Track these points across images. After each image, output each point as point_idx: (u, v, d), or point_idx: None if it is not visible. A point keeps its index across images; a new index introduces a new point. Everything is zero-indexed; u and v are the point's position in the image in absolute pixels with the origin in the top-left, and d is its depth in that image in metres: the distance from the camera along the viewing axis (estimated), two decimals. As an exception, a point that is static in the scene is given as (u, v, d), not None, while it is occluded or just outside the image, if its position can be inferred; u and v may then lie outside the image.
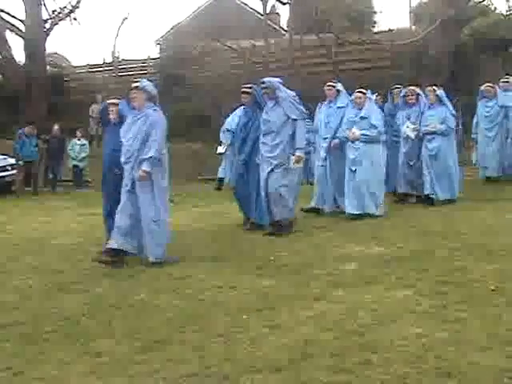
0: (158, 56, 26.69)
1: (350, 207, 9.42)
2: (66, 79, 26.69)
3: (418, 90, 10.80)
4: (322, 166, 10.00)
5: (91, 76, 26.62)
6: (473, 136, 12.42)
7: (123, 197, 7.27)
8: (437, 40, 20.10)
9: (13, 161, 16.74)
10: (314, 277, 6.31)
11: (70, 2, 25.06)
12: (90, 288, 6.39)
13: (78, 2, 25.14)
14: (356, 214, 9.31)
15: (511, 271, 5.98)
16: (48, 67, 26.18)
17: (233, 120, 10.67)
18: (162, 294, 6.06)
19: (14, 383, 4.17)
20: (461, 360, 4.03)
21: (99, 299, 5.98)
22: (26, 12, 23.76)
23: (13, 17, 23.92)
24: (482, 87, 12.17)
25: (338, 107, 9.91)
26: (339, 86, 10.06)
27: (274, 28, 29.23)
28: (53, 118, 20.36)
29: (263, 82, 8.60)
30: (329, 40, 23.47)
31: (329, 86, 10.11)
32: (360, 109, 9.53)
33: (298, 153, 8.41)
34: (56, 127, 18.21)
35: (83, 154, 18.47)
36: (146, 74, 26.26)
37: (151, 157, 7.08)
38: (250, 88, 9.01)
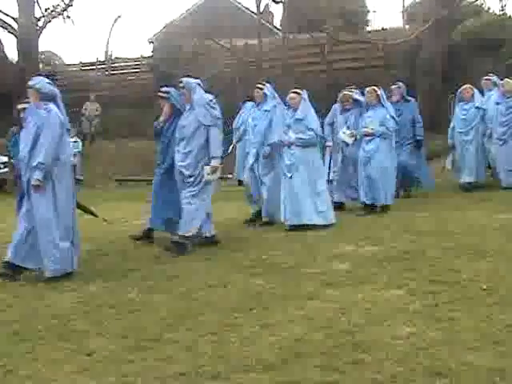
0: (150, 54, 26.58)
1: (288, 218, 8.79)
2: (58, 77, 26.58)
3: (355, 95, 10.39)
4: (251, 170, 9.41)
5: (84, 74, 26.50)
6: (449, 140, 11.98)
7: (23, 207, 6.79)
8: (430, 39, 20.11)
9: (5, 159, 16.67)
10: (306, 276, 6.32)
11: (63, 0, 24.95)
12: (81, 287, 6.38)
13: (71, 0, 25.04)
14: (295, 226, 8.72)
15: (503, 271, 6.00)
16: (41, 65, 26.07)
17: (239, 118, 11.42)
18: (153, 293, 6.05)
19: (5, 382, 4.16)
20: (452, 359, 4.04)
21: (91, 298, 5.97)
22: (19, 10, 23.63)
23: (6, 14, 23.79)
24: (460, 90, 11.79)
25: (265, 110, 9.34)
26: (266, 89, 9.45)
27: (268, 27, 29.19)
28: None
29: (181, 82, 7.99)
30: (322, 39, 23.45)
31: (256, 88, 9.55)
32: (295, 110, 8.93)
33: (212, 162, 7.66)
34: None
35: (75, 150, 18.46)
36: (138, 72, 26.26)
37: (38, 163, 6.45)
38: (166, 93, 8.27)
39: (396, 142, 10.92)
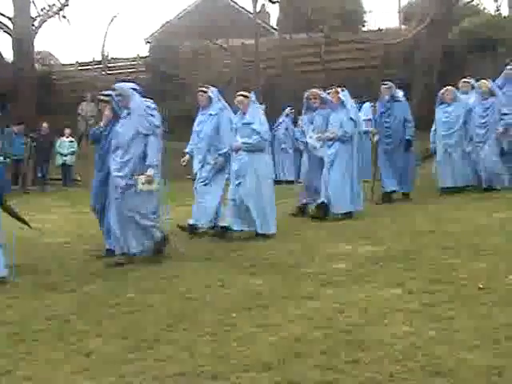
0: (147, 54, 26.58)
1: (235, 225, 8.45)
2: (54, 77, 26.57)
3: (322, 94, 10.05)
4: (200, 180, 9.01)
5: (80, 74, 26.52)
6: (431, 146, 11.64)
7: None
8: (427, 40, 20.16)
9: (1, 158, 16.66)
10: (305, 276, 6.33)
11: (59, 0, 24.94)
12: (79, 287, 6.38)
13: (67, 0, 25.03)
14: (241, 232, 8.41)
15: (501, 270, 6.01)
16: (37, 65, 26.04)
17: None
18: (151, 293, 6.05)
19: (2, 383, 4.15)
20: (449, 358, 4.05)
21: (88, 298, 5.97)
22: (14, 9, 23.60)
23: (1, 14, 23.77)
24: (441, 91, 11.48)
25: (210, 114, 8.97)
26: (210, 92, 9.11)
27: (264, 27, 29.20)
28: (41, 117, 20.27)
29: (115, 89, 7.58)
30: (319, 39, 23.49)
31: (200, 91, 9.21)
32: (244, 114, 8.53)
33: (148, 171, 7.20)
34: (45, 125, 18.15)
35: (71, 150, 18.47)
36: (135, 72, 26.25)
37: None
38: (108, 96, 7.87)
39: (387, 144, 10.93)
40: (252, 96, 8.61)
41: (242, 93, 8.68)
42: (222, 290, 6.02)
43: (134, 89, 7.48)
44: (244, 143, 8.34)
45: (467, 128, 11.09)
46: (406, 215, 9.35)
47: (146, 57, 26.22)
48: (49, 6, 24.75)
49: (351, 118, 9.55)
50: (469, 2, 23.14)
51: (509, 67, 11.80)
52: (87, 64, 27.20)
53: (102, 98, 7.99)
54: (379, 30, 24.77)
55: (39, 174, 17.95)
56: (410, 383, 3.79)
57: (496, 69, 12.96)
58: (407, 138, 10.98)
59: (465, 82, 12.16)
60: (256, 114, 8.54)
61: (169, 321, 5.15)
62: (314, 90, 10.15)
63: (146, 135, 7.28)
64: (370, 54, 22.88)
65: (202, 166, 8.93)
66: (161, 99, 22.40)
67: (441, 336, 4.45)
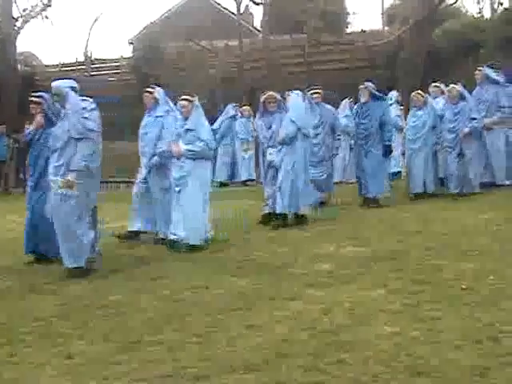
0: (131, 55, 26.51)
1: (178, 234, 7.91)
2: (37, 78, 26.40)
3: (278, 96, 9.55)
4: (144, 184, 8.68)
5: (63, 75, 26.17)
6: (403, 149, 11.44)
7: None
8: (410, 41, 20.28)
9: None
10: (290, 277, 6.34)
11: (41, 0, 24.81)
12: (64, 289, 6.35)
13: (50, 0, 24.90)
14: (190, 245, 7.83)
15: (484, 271, 6.05)
16: (19, 66, 25.89)
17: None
18: (138, 294, 6.04)
19: (-13, 385, 4.13)
20: (433, 358, 4.08)
21: (74, 300, 5.94)
22: (-4, 10, 23.49)
23: (-17, 15, 23.63)
24: (412, 94, 11.25)
25: (157, 116, 8.54)
26: (157, 93, 8.69)
27: (248, 28, 29.23)
28: (24, 118, 20.12)
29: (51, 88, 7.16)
30: (302, 40, 23.55)
31: (145, 92, 8.82)
32: (187, 119, 8.09)
33: (69, 175, 6.79)
34: (27, 127, 18.02)
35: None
36: (118, 73, 26.17)
37: None
38: (39, 97, 7.63)
39: (361, 146, 10.53)
40: (195, 100, 8.15)
41: (185, 97, 8.17)
42: (208, 291, 6.01)
43: (72, 87, 7.12)
44: (188, 150, 7.90)
45: (437, 133, 10.96)
46: (392, 216, 9.38)
47: (129, 58, 26.14)
48: (31, 6, 24.64)
49: (292, 121, 9.10)
50: (451, 4, 23.29)
51: (477, 71, 11.73)
52: (70, 65, 27.07)
53: (32, 99, 7.77)
54: (363, 31, 24.87)
55: (21, 175, 17.83)
56: (394, 383, 3.81)
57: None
58: (386, 143, 10.50)
59: (435, 86, 12.09)
60: (200, 120, 8.12)
61: (154, 322, 5.15)
62: (270, 92, 9.70)
63: (77, 140, 6.88)
64: (354, 56, 22.96)
65: (150, 171, 8.54)
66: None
67: (425, 336, 4.48)
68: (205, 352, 4.44)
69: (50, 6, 24.95)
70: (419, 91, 11.34)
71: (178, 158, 7.98)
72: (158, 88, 8.81)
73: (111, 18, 74.51)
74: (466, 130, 10.55)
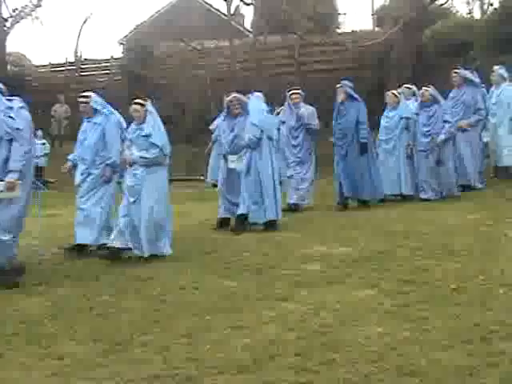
0: (121, 56, 26.45)
1: (136, 249, 7.54)
2: (27, 79, 26.32)
3: (243, 98, 9.28)
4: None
5: (53, 76, 26.29)
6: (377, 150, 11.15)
7: None
8: (400, 41, 20.33)
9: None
10: (278, 277, 6.33)
11: (31, 1, 24.76)
12: (51, 290, 6.32)
13: (40, 1, 24.85)
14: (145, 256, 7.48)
15: (471, 271, 6.07)
16: (9, 66, 25.80)
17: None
18: (125, 295, 6.02)
19: (-26, 387, 4.11)
20: (423, 358, 4.08)
21: (61, 301, 5.91)
22: (-15, 10, 23.41)
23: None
24: (386, 95, 11.17)
25: (95, 123, 8.20)
26: (93, 102, 8.25)
27: (239, 29, 29.22)
28: (14, 118, 20.07)
29: None
30: (293, 41, 23.56)
31: (81, 97, 8.44)
32: (140, 124, 7.69)
33: (8, 177, 6.46)
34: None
35: (44, 152, 18.34)
36: (108, 73, 26.10)
37: None
38: None
39: (340, 146, 10.32)
40: (148, 104, 7.75)
41: (137, 100, 7.80)
42: (197, 291, 6.00)
43: None
44: (141, 157, 7.55)
45: (409, 134, 10.79)
46: (380, 216, 9.40)
47: (119, 58, 26.08)
48: (21, 7, 24.57)
49: (253, 124, 8.88)
50: (441, 5, 23.35)
51: (454, 74, 11.57)
52: (60, 65, 26.96)
53: None
54: (353, 32, 24.91)
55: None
56: (383, 383, 3.81)
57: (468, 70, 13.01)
58: (361, 141, 10.23)
59: (406, 87, 11.91)
60: (154, 125, 7.68)
61: (142, 323, 5.13)
62: (234, 94, 9.40)
63: (10, 140, 6.53)
64: (345, 56, 22.98)
65: (86, 178, 8.16)
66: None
67: (414, 336, 4.48)
68: (193, 353, 4.42)
69: (39, 6, 24.91)
70: (393, 91, 11.24)
71: (130, 166, 7.65)
72: (93, 95, 8.35)
73: (101, 18, 74.31)
74: (442, 137, 10.40)
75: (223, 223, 9.34)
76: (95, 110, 8.26)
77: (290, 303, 5.45)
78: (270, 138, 9.03)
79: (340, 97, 10.37)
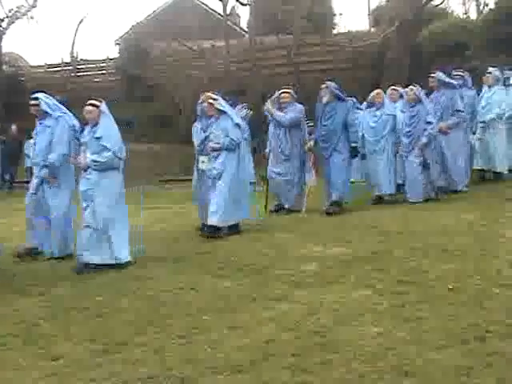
0: (117, 56, 26.42)
1: (89, 257, 7.17)
2: (23, 79, 26.30)
3: (214, 97, 8.98)
4: (34, 195, 8.07)
5: (49, 76, 26.25)
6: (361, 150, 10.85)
7: None
8: (396, 42, 20.35)
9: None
10: (275, 277, 6.33)
11: (27, 1, 24.72)
12: (47, 290, 6.32)
13: (36, 1, 24.82)
14: (101, 265, 7.15)
15: (469, 271, 6.06)
16: (4, 67, 25.76)
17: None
18: (121, 295, 6.01)
19: (-30, 388, 4.10)
20: (419, 359, 4.08)
21: (57, 301, 5.91)
22: (-19, 11, 23.38)
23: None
24: (371, 94, 10.90)
25: (46, 126, 8.04)
26: (43, 104, 8.03)
27: (235, 29, 29.23)
28: (9, 119, 20.06)
29: None
30: (289, 41, 23.57)
31: (31, 104, 8.13)
32: (93, 126, 7.36)
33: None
34: (14, 128, 17.96)
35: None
36: (104, 74, 26.08)
37: None
38: None
39: (324, 149, 10.08)
40: (102, 105, 7.42)
41: (91, 102, 7.45)
42: (192, 292, 6.00)
43: None
44: (93, 161, 7.22)
45: (396, 135, 10.64)
46: (374, 216, 9.39)
47: (115, 59, 26.06)
48: (17, 7, 24.55)
49: (237, 124, 8.75)
50: (437, 5, 23.38)
51: (431, 78, 11.29)
52: (56, 66, 26.94)
53: None
54: (349, 32, 24.94)
55: (7, 177, 17.74)
56: (380, 383, 3.81)
57: (464, 70, 13.03)
58: (352, 144, 9.97)
59: (393, 89, 11.63)
60: (108, 127, 7.36)
61: (138, 324, 5.13)
62: (209, 94, 9.17)
63: None
64: (340, 57, 23.00)
65: (41, 182, 8.01)
66: (130, 101, 22.36)
67: (410, 336, 4.48)
68: (190, 353, 4.42)
69: (35, 6, 24.88)
70: (379, 90, 11.05)
71: (84, 170, 7.32)
72: (42, 96, 8.07)
73: (97, 18, 74.31)
74: (424, 140, 10.15)
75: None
76: (46, 113, 8.06)
77: (287, 303, 5.45)
78: (245, 139, 9.01)
79: (325, 98, 10.04)
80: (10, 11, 24.40)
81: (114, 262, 7.19)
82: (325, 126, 10.03)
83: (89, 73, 26.67)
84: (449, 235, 7.67)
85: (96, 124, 7.33)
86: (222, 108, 8.83)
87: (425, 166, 10.23)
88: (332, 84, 10.15)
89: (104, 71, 26.22)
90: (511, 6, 18.88)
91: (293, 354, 4.28)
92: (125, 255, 7.29)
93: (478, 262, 6.34)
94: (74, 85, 25.14)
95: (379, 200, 10.69)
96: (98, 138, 7.25)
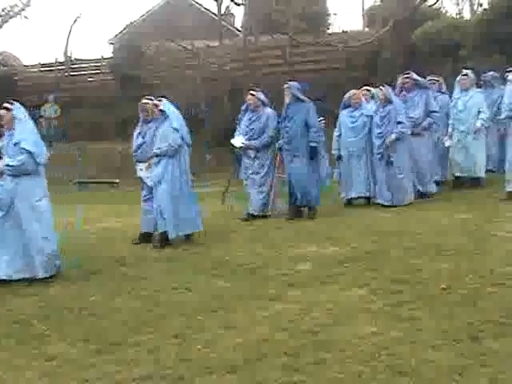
0: (111, 56, 26.38)
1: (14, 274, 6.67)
2: (16, 78, 26.22)
3: (157, 102, 8.57)
4: None
5: (43, 75, 26.19)
6: (334, 151, 10.88)
7: None
8: (390, 42, 20.38)
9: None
10: (270, 277, 6.33)
11: (21, 0, 24.67)
12: (41, 291, 6.31)
13: (29, 0, 24.77)
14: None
15: (463, 270, 6.08)
16: (-2, 66, 25.70)
17: None
18: (116, 295, 6.01)
19: (-36, 389, 4.09)
20: (414, 358, 4.09)
21: (51, 302, 5.91)
22: (-26, 10, 23.31)
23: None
24: (347, 95, 10.64)
25: None
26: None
27: (229, 29, 29.21)
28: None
29: None
30: (283, 41, 23.57)
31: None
32: (10, 130, 6.90)
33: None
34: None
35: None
36: (99, 73, 26.03)
37: None
38: None
39: (287, 151, 9.67)
40: (15, 109, 6.93)
41: (5, 105, 6.97)
42: (187, 291, 6.00)
43: None
44: (6, 165, 6.72)
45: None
46: (370, 216, 9.40)
47: (109, 58, 26.02)
48: (10, 6, 24.48)
49: (175, 129, 8.23)
50: (431, 6, 23.40)
51: (407, 80, 10.90)
52: (50, 65, 26.87)
53: None
54: (343, 32, 24.95)
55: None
56: (374, 383, 3.82)
57: (457, 71, 13.06)
58: (311, 144, 9.53)
59: (366, 89, 11.43)
60: (25, 130, 6.88)
61: (133, 324, 5.12)
62: (145, 99, 8.81)
63: None
64: (335, 56, 23.01)
65: None
66: (125, 101, 22.31)
67: (404, 336, 4.49)
68: (184, 353, 4.42)
69: (29, 5, 24.84)
70: (355, 91, 10.77)
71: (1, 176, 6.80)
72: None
73: (91, 18, 74.15)
74: (393, 136, 9.90)
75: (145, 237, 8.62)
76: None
77: (282, 303, 5.45)
78: (188, 145, 8.50)
79: (287, 99, 9.66)
80: (3, 10, 24.37)
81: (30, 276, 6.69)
82: (287, 127, 9.67)
83: (83, 72, 26.60)
84: (443, 235, 7.68)
85: (12, 128, 6.88)
86: (165, 110, 8.35)
87: (388, 163, 10.01)
88: (294, 84, 9.78)
89: (98, 71, 26.15)
90: (505, 6, 18.90)
91: (287, 354, 4.29)
92: (39, 271, 6.68)
93: (472, 262, 6.35)
94: (68, 84, 25.08)
95: (350, 202, 10.51)
96: (15, 143, 6.77)
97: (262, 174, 9.97)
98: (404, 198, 10.09)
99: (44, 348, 4.69)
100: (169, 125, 8.23)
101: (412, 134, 10.37)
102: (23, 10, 24.80)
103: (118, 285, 6.39)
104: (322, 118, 10.91)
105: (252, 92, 10.07)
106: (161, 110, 8.36)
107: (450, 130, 11.19)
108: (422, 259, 6.60)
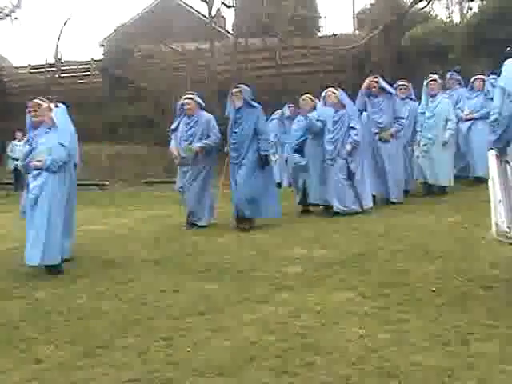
0: (101, 58, 26.31)
1: None
2: (6, 80, 26.11)
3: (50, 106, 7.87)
4: None
5: (33, 77, 26.09)
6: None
7: None
8: (379, 45, 20.44)
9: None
10: (258, 280, 6.33)
11: (10, 2, 24.57)
12: (29, 293, 6.27)
13: (19, 2, 24.66)
14: None
15: (450, 272, 6.10)
16: (-13, 68, 25.57)
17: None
18: (104, 298, 5.98)
19: (-50, 392, 4.06)
20: (402, 360, 4.09)
21: (39, 305, 5.87)
22: (-36, 11, 23.20)
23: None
24: (322, 95, 10.31)
25: None
26: None
27: (219, 31, 29.19)
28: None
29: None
30: (273, 43, 23.59)
31: None
32: None
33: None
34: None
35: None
36: (89, 75, 25.95)
37: None
38: None
39: (234, 159, 9.31)
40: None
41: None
42: (176, 294, 5.98)
43: None
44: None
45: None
46: (359, 220, 9.42)
47: (99, 60, 25.95)
48: (0, 8, 24.38)
49: (60, 144, 7.23)
50: (421, 9, 23.49)
51: (373, 83, 10.69)
52: (40, 67, 26.77)
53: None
54: (334, 35, 25.00)
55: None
56: (362, 385, 3.82)
57: (446, 74, 13.11)
58: (261, 153, 9.15)
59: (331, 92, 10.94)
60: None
61: (121, 326, 5.10)
62: (35, 101, 8.06)
63: None
64: (325, 59, 23.06)
65: None
66: (115, 103, 22.28)
67: (393, 338, 4.49)
68: (173, 356, 4.41)
69: (19, 7, 24.73)
70: (309, 95, 10.43)
71: None
72: None
73: (82, 19, 74.00)
74: (348, 147, 9.63)
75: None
76: None
77: (271, 306, 5.45)
78: (75, 165, 7.82)
79: (238, 103, 9.24)
80: (-8, 12, 24.26)
81: None
82: (235, 133, 9.30)
83: (73, 74, 26.50)
84: (432, 237, 7.71)
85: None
86: (55, 120, 7.46)
87: (350, 176, 9.71)
88: (244, 88, 9.42)
89: (88, 72, 26.08)
90: (495, 9, 18.99)
91: (277, 356, 4.28)
92: None
93: (460, 264, 6.38)
94: (57, 86, 24.97)
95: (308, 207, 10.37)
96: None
97: (200, 182, 9.57)
98: (363, 205, 9.83)
99: (31, 351, 4.65)
100: (57, 138, 7.27)
101: (380, 140, 10.37)
102: (13, 11, 24.69)
103: (106, 287, 6.36)
104: None
105: (189, 96, 9.77)
106: (51, 119, 7.46)
107: (418, 137, 11.16)
108: (411, 262, 6.62)
